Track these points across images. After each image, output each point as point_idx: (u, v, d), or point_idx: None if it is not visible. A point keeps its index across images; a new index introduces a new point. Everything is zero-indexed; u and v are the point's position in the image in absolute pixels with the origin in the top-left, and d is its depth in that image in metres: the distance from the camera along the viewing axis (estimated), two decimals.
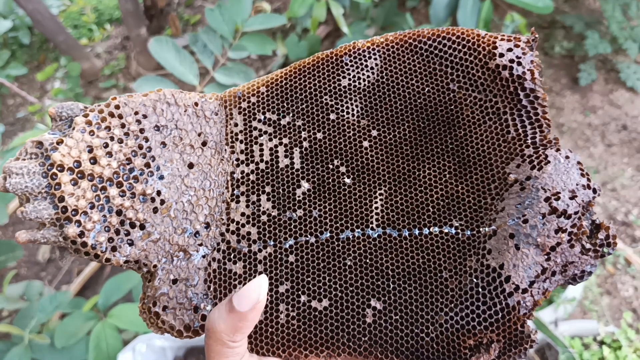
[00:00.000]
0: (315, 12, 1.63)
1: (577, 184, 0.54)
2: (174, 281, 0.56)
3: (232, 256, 0.58)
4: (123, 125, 0.57)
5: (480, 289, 0.53)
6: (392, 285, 0.55)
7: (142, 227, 0.56)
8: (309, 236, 0.58)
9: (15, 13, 3.49)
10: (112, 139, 0.56)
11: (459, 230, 0.56)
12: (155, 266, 0.56)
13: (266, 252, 0.57)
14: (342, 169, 0.59)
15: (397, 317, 0.54)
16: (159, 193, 0.57)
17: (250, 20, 1.51)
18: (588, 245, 0.53)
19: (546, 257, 0.52)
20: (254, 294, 0.50)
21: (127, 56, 3.42)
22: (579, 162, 0.55)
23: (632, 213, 2.14)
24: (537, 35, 0.59)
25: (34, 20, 2.78)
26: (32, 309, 1.45)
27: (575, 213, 0.53)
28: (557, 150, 0.55)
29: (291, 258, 0.57)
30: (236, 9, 1.49)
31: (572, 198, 0.53)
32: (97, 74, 3.28)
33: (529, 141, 0.56)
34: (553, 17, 2.77)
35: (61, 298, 1.46)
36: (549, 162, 0.54)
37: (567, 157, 0.55)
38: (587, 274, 0.54)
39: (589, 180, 0.54)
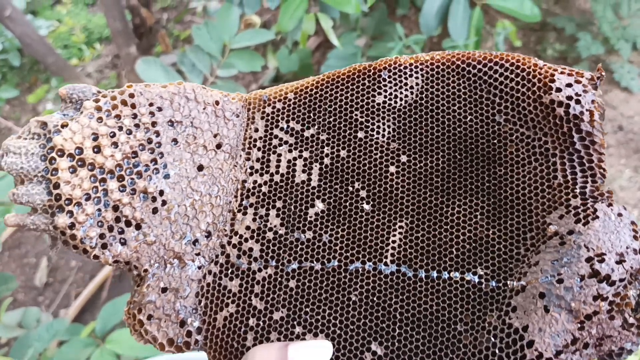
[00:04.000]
0: (305, 26, 1.59)
1: (627, 247, 0.46)
2: (164, 290, 0.52)
3: (229, 272, 0.53)
4: (135, 116, 0.53)
5: (497, 350, 0.46)
6: (397, 330, 0.49)
7: (138, 226, 0.51)
8: (314, 262, 0.52)
9: (4, 35, 3.43)
10: (120, 128, 0.52)
11: (482, 280, 0.49)
12: (146, 270, 0.52)
13: (266, 272, 0.52)
14: (363, 193, 0.54)
15: None
16: (161, 193, 0.52)
17: (238, 36, 1.47)
18: (631, 320, 0.45)
19: (579, 325, 0.45)
20: (316, 356, 0.47)
21: (118, 74, 3.35)
22: (632, 223, 0.48)
23: (632, 215, 2.07)
24: (603, 73, 0.52)
25: (23, 44, 2.73)
26: (29, 338, 1.42)
27: (621, 280, 0.45)
28: (609, 205, 0.48)
29: (292, 283, 0.52)
30: (223, 26, 1.45)
31: (619, 262, 0.46)
32: None
33: (578, 191, 0.49)
34: (544, 20, 2.73)
35: (58, 326, 1.42)
36: (597, 217, 0.47)
37: (619, 215, 0.48)
38: (626, 352, 0.46)
39: None
